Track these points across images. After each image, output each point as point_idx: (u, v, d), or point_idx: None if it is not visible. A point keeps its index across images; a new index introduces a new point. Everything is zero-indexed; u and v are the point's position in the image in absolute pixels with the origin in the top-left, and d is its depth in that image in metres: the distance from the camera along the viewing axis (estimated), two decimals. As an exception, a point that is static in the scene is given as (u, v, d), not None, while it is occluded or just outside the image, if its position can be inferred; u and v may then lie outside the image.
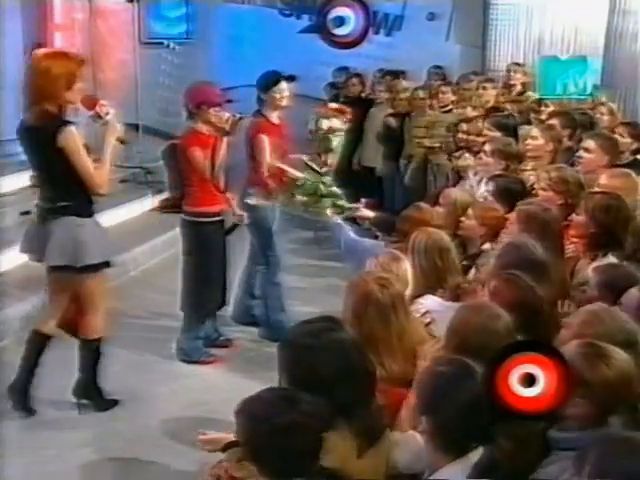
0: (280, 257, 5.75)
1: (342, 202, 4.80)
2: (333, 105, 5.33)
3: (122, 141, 4.60)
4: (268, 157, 5.37)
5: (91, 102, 4.44)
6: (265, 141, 5.40)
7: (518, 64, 8.48)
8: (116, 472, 4.26)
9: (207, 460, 2.25)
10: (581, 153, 4.98)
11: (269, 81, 5.46)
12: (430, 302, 3.47)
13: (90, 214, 4.51)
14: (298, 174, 4.85)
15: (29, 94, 4.36)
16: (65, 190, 4.41)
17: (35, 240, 4.55)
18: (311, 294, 6.34)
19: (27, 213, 6.89)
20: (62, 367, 4.85)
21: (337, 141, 4.93)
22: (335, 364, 2.42)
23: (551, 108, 6.82)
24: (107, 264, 4.61)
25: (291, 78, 5.56)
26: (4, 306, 5.61)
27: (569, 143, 5.64)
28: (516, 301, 2.98)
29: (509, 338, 2.66)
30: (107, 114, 4.38)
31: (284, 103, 5.48)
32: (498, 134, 5.76)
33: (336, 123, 4.90)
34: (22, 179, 7.41)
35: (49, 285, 4.68)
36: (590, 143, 4.99)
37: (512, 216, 4.11)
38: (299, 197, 4.79)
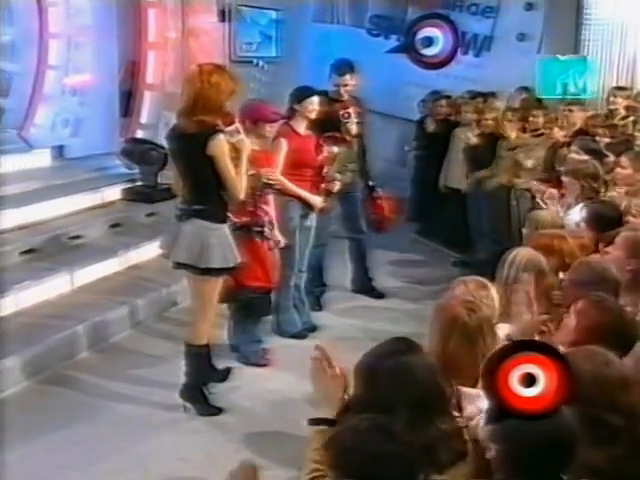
0: (300, 260, 6.00)
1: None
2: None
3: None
4: (280, 159, 5.66)
5: (230, 118, 4.75)
6: (282, 143, 5.70)
7: (621, 88, 8.19)
8: None
9: None
10: None
11: (303, 94, 5.89)
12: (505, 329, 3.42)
13: (222, 220, 4.73)
14: (297, 191, 5.76)
15: (189, 103, 4.61)
16: (203, 195, 4.69)
17: (170, 238, 4.82)
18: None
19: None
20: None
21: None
22: (397, 387, 2.44)
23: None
24: (226, 271, 4.78)
25: (324, 93, 6.13)
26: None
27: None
28: (604, 324, 2.93)
29: (623, 384, 2.55)
30: (239, 132, 4.76)
31: (313, 115, 5.89)
32: (585, 157, 5.67)
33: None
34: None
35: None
36: None
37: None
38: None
